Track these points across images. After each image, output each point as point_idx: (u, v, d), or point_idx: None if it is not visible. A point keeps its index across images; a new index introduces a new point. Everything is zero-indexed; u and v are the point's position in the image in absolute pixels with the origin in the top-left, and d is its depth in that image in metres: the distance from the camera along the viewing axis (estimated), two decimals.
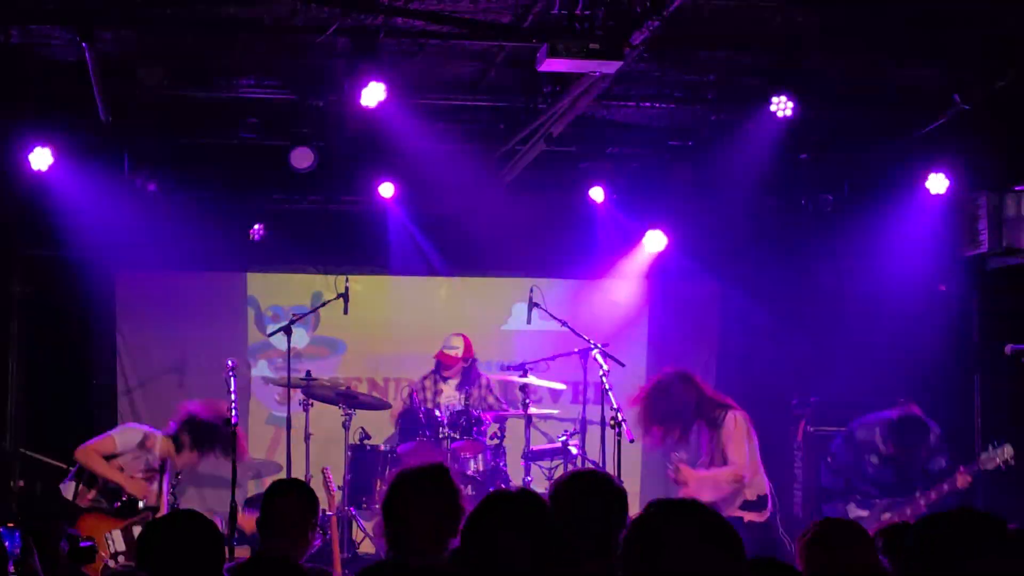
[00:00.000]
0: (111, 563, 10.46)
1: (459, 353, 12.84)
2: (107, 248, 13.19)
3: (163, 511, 10.73)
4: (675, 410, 10.66)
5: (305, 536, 6.40)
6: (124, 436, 10.82)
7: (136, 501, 10.71)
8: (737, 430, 10.52)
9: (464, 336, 12.95)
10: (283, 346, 11.98)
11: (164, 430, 11.16)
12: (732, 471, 10.45)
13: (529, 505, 4.35)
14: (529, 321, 12.55)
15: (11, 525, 5.91)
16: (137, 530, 10.52)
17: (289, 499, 6.50)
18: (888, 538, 5.68)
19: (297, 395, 12.28)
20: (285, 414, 12.14)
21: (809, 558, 5.24)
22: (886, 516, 10.81)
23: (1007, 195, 11.94)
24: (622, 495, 5.34)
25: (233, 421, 10.40)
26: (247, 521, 10.64)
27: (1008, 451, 10.68)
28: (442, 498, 5.29)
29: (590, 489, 5.32)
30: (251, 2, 9.54)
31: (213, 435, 10.96)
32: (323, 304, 12.59)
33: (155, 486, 10.84)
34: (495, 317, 14.26)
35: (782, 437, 13.02)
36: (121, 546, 10.52)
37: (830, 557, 5.20)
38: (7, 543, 5.62)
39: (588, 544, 4.97)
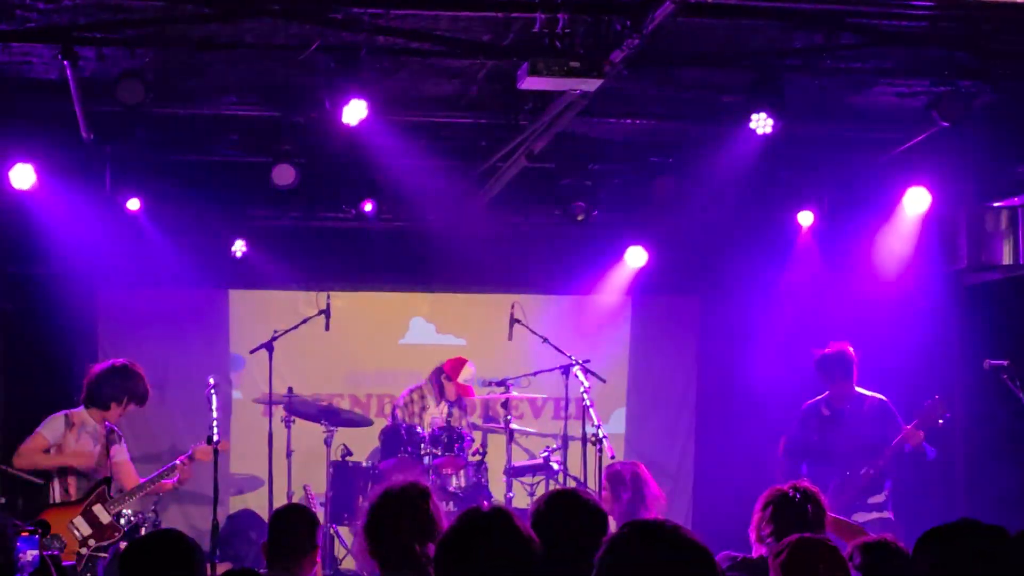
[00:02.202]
0: (83, 550, 10.45)
1: (474, 382, 12.89)
2: (89, 265, 13.21)
3: (105, 474, 10.72)
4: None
5: (312, 559, 6.68)
6: (49, 426, 10.75)
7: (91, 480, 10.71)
8: None
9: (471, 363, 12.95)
10: None
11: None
12: None
13: (503, 524, 4.36)
14: (510, 337, 12.57)
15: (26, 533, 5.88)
16: (98, 508, 10.53)
17: (294, 523, 6.81)
18: (866, 556, 5.70)
19: (279, 411, 12.28)
20: (267, 430, 12.14)
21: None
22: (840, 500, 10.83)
23: (986, 211, 12.01)
24: (601, 515, 5.37)
25: (215, 439, 10.39)
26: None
27: (942, 405, 10.81)
28: (425, 516, 5.32)
29: (570, 508, 5.35)
30: (233, 20, 9.55)
31: (114, 383, 10.91)
32: (304, 321, 12.59)
33: (99, 450, 10.80)
34: (478, 332, 14.25)
35: (763, 451, 13.06)
36: (87, 530, 10.51)
37: None
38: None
39: (567, 563, 4.99)
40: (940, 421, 10.87)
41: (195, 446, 11.00)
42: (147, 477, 10.82)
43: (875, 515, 10.97)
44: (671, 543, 3.65)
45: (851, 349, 11.23)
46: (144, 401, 11.04)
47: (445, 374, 12.84)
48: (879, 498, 11.09)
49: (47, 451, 10.68)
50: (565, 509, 5.34)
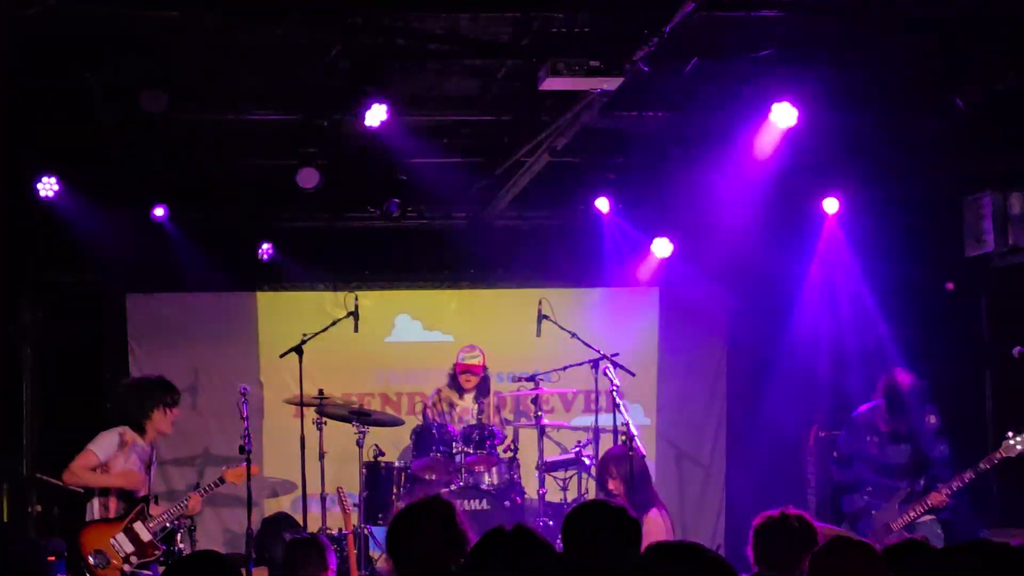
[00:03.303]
0: (126, 567, 10.50)
1: (480, 361, 12.86)
2: (117, 271, 13.28)
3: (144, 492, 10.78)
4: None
5: None
6: (102, 443, 10.71)
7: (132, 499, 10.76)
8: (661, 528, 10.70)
9: (480, 349, 12.96)
10: None
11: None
12: None
13: (526, 544, 4.37)
14: (539, 334, 12.56)
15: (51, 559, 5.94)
16: (138, 526, 10.59)
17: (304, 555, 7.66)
18: (893, 556, 5.70)
19: (310, 413, 12.30)
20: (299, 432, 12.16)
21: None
22: (909, 515, 10.78)
23: (1011, 194, 11.96)
24: (633, 524, 5.37)
25: (247, 448, 10.41)
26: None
27: None
28: (454, 530, 5.32)
29: (600, 519, 5.35)
30: (255, 26, 9.57)
31: (153, 390, 10.94)
32: (333, 323, 12.60)
33: (144, 470, 10.84)
34: (507, 329, 14.25)
35: (794, 439, 13.07)
36: (129, 547, 10.53)
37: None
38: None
39: (602, 572, 5.00)
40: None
41: (225, 469, 11.04)
42: (165, 510, 10.82)
43: (926, 517, 10.92)
44: (697, 562, 3.67)
45: (913, 379, 11.06)
46: (175, 401, 11.00)
47: (454, 363, 12.91)
48: None
49: (95, 468, 10.67)
50: (595, 520, 5.34)
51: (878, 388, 11.18)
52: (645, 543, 9.89)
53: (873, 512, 10.96)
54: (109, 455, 10.64)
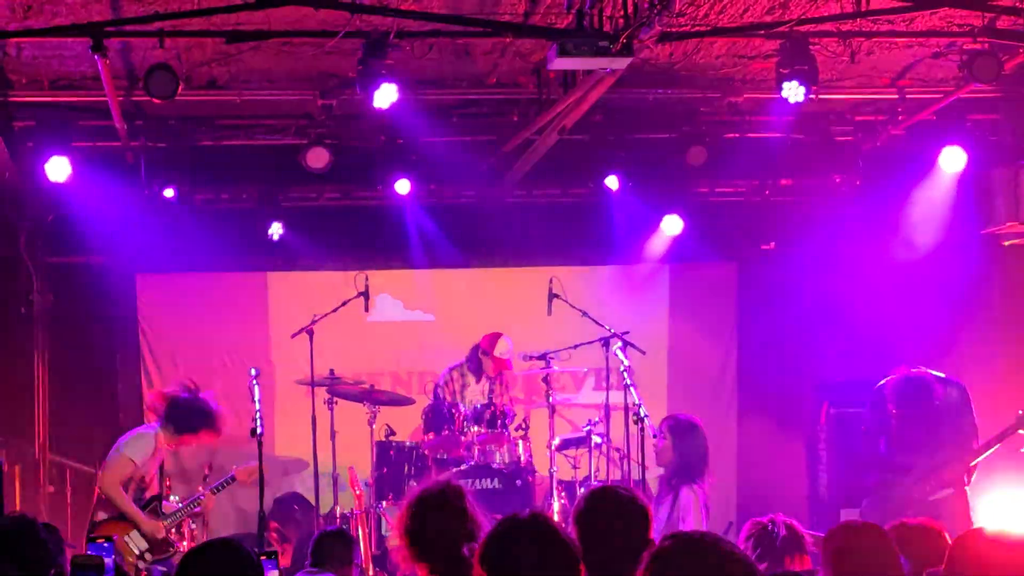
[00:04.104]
0: (140, 563, 10.54)
1: (512, 355, 12.88)
2: (127, 253, 13.28)
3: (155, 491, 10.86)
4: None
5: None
6: (137, 449, 10.73)
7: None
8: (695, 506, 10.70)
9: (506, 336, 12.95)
10: None
11: (150, 424, 11.14)
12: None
13: (544, 532, 4.36)
14: (549, 312, 12.58)
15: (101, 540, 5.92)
16: (152, 524, 10.64)
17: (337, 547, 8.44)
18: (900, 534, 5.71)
19: (321, 393, 12.32)
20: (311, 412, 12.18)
21: (835, 564, 5.26)
22: (926, 490, 10.76)
23: (1021, 170, 11.93)
24: (643, 512, 5.37)
25: (259, 431, 10.44)
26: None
27: None
28: (454, 519, 5.32)
29: (610, 507, 5.34)
30: (264, 8, 9.54)
31: (193, 415, 10.97)
32: (344, 304, 12.63)
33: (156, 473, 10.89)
34: (518, 308, 14.23)
35: (806, 415, 13.07)
36: (143, 544, 10.59)
37: (854, 564, 5.22)
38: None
39: (610, 563, 5.00)
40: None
41: (237, 468, 11.09)
42: (177, 507, 10.86)
43: (947, 491, 10.89)
44: (714, 555, 3.67)
45: (919, 374, 11.00)
46: (219, 433, 11.09)
47: (482, 350, 12.85)
48: None
49: (130, 479, 10.67)
50: (605, 508, 5.33)
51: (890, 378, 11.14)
52: (682, 519, 10.10)
53: (893, 487, 10.94)
54: (145, 460, 10.70)
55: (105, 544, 5.67)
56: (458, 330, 13.44)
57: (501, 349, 12.77)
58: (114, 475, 10.65)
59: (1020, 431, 10.47)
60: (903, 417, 10.97)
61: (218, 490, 11.04)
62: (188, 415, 10.93)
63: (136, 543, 10.57)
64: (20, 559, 6.13)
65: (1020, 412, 10.44)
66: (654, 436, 10.85)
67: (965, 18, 10.29)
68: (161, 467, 11.01)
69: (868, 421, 11.35)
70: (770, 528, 6.75)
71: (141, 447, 10.75)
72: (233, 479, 11.05)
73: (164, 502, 10.87)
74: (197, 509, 10.83)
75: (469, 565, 5.09)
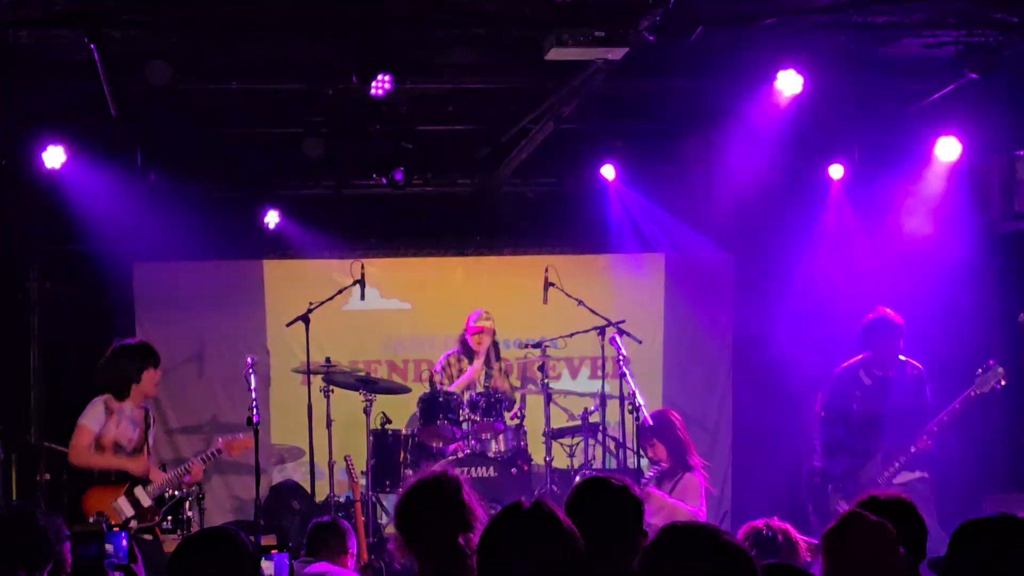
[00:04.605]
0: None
1: (492, 325, 12.84)
2: (123, 240, 13.24)
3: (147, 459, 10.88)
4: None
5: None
6: (91, 416, 10.71)
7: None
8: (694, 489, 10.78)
9: (488, 312, 12.94)
10: None
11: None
12: (694, 511, 10.57)
13: (547, 521, 4.36)
14: (545, 301, 12.59)
15: (116, 528, 5.96)
16: (139, 490, 10.65)
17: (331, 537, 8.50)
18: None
19: (317, 381, 12.33)
20: (307, 400, 12.18)
21: (830, 557, 5.26)
22: (894, 465, 10.83)
23: (1017, 159, 11.94)
24: (636, 501, 5.38)
25: (255, 420, 10.44)
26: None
27: (1000, 372, 10.70)
28: (450, 510, 5.32)
29: (603, 497, 5.36)
30: None
31: (136, 352, 10.96)
32: (340, 291, 12.66)
33: (139, 433, 10.86)
34: (514, 296, 14.24)
35: (800, 406, 13.07)
36: (129, 510, 10.58)
37: (853, 558, 5.21)
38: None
39: (603, 554, 5.00)
40: (998, 387, 10.75)
41: (224, 439, 11.11)
42: (167, 475, 10.86)
43: (918, 474, 10.97)
44: (712, 547, 3.68)
45: (897, 316, 11.14)
46: (158, 363, 11.01)
47: (464, 328, 12.90)
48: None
49: (92, 444, 10.68)
50: (598, 498, 5.34)
51: (861, 331, 11.25)
52: (681, 502, 10.17)
53: (859, 471, 10.99)
54: (100, 424, 10.68)
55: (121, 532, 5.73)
56: (454, 318, 13.42)
57: (475, 318, 12.77)
58: (77, 444, 10.67)
59: (979, 391, 10.61)
60: (868, 396, 11.07)
61: (208, 459, 11.02)
62: (117, 363, 10.89)
63: (123, 509, 10.58)
64: (19, 551, 6.16)
65: (978, 372, 10.60)
66: (648, 427, 10.87)
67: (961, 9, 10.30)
68: (147, 434, 10.92)
69: (827, 405, 11.42)
70: (765, 532, 6.78)
71: (92, 413, 10.73)
72: (220, 451, 11.07)
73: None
74: (187, 477, 10.80)
75: (465, 555, 5.11)
